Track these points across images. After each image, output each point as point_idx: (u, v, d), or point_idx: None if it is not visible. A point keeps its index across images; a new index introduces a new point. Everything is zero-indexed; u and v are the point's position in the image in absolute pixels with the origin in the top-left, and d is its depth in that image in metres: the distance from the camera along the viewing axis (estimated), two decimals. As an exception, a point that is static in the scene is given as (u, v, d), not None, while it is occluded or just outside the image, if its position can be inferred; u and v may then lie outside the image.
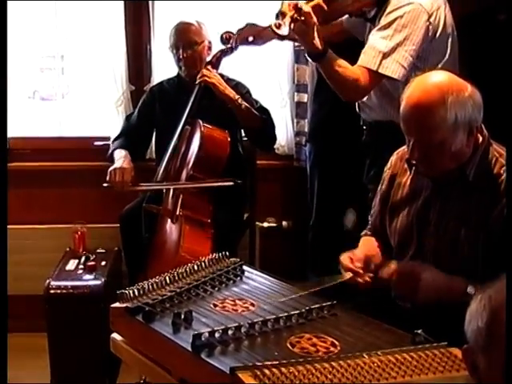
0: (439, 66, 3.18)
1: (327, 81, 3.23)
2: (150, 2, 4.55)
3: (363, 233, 2.99)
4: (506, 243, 2.45)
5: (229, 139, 3.86)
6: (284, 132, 4.71)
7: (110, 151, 4.22)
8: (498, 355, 1.53)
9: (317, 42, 3.09)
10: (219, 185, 3.72)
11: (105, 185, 3.90)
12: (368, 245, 2.84)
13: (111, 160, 4.11)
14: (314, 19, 3.02)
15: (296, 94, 4.65)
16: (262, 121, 4.01)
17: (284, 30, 2.97)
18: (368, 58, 3.19)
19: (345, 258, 2.72)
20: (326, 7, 3.15)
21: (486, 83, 3.97)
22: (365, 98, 3.47)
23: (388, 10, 3.21)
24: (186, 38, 4.09)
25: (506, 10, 4.35)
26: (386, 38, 3.18)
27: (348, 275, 2.65)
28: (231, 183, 3.71)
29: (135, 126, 4.31)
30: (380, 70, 3.16)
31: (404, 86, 2.66)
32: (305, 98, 4.59)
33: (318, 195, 4.29)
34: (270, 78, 4.67)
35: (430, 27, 3.19)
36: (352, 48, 3.37)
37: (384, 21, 3.21)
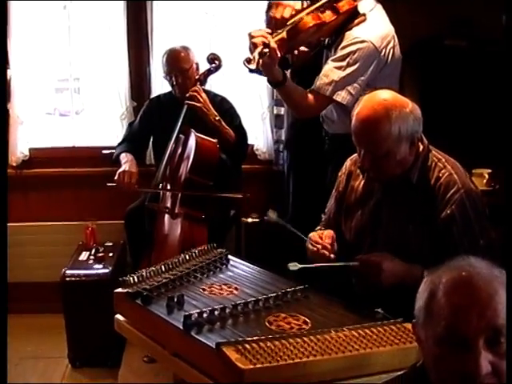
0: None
1: (284, 102, 3.24)
2: (150, 29, 4.51)
3: (317, 228, 2.87)
4: (506, 243, 2.46)
5: (218, 146, 3.82)
6: (265, 140, 4.68)
7: (116, 154, 4.16)
8: (432, 331, 1.51)
9: (277, 72, 3.12)
10: (226, 196, 3.69)
11: (110, 184, 3.83)
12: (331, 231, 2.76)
13: (116, 161, 4.06)
14: (279, 54, 3.03)
15: (275, 107, 4.61)
16: (235, 140, 3.95)
17: (252, 66, 3.01)
18: (322, 84, 3.20)
19: (314, 234, 2.67)
20: (289, 41, 3.14)
21: (436, 102, 3.98)
22: (324, 112, 3.47)
23: (343, 44, 3.20)
24: (177, 67, 4.04)
25: (451, 36, 4.34)
26: (339, 68, 3.18)
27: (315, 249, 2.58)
28: (240, 196, 3.69)
29: (136, 132, 4.27)
30: (333, 97, 3.19)
31: None
32: (282, 110, 4.54)
33: (294, 195, 4.25)
34: (252, 93, 4.64)
35: (380, 62, 3.19)
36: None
37: (339, 53, 3.21)
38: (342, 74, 3.17)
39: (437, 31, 4.37)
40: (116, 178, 3.87)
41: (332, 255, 2.56)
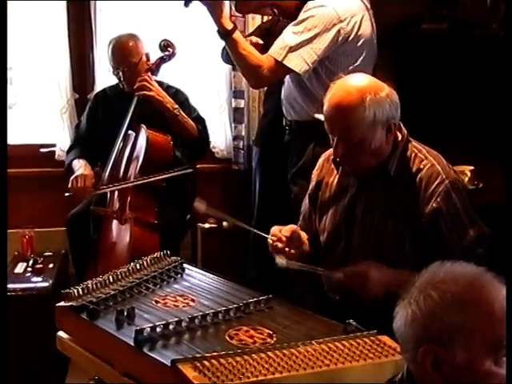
0: (350, 68, 3.18)
1: (234, 62, 3.28)
2: (93, 14, 4.51)
3: None
4: (506, 244, 2.51)
5: (171, 143, 3.84)
6: (223, 136, 4.71)
7: (68, 162, 4.15)
8: (481, 343, 1.56)
9: (225, 20, 3.13)
10: (178, 174, 3.70)
11: (67, 194, 3.85)
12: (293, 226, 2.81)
13: (69, 171, 4.05)
14: None
15: (233, 99, 4.65)
16: (197, 131, 3.99)
17: None
18: (276, 48, 3.21)
19: (274, 228, 2.72)
20: None
21: (413, 93, 4.06)
22: (283, 96, 3.50)
23: (304, 9, 3.22)
24: (124, 62, 4.02)
25: (430, 20, 4.41)
26: (296, 33, 3.19)
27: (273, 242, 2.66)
28: (190, 170, 3.72)
29: (85, 134, 4.25)
30: (284, 62, 3.18)
31: (326, 87, 2.68)
32: (242, 103, 4.59)
33: (260, 195, 4.27)
34: (208, 84, 4.66)
35: (342, 31, 3.19)
36: None
37: (299, 17, 3.22)
38: (298, 39, 3.17)
39: (413, 14, 4.44)
40: (70, 185, 3.88)
41: (288, 249, 2.62)
